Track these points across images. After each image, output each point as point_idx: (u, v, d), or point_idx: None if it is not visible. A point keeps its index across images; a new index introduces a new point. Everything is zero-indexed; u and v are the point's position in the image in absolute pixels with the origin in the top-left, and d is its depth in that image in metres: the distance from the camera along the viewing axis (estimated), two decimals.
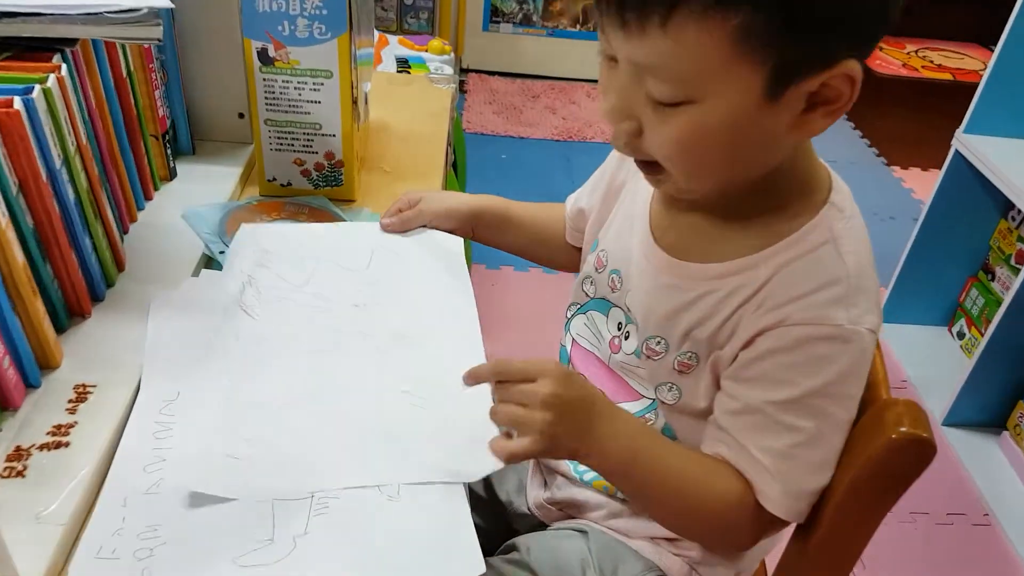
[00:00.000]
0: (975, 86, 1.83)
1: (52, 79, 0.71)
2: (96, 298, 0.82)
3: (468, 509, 0.66)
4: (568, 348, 0.87)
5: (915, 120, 3.45)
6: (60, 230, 0.74)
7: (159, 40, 0.78)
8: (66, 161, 0.75)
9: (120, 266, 0.87)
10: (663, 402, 0.76)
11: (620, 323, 0.80)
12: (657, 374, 0.76)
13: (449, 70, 1.66)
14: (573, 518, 0.86)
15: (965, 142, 1.84)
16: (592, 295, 0.84)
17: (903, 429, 0.62)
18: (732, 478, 0.69)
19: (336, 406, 0.73)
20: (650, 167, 0.67)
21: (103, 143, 0.85)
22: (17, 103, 0.66)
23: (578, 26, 3.36)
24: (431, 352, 0.80)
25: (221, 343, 0.77)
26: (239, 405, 0.71)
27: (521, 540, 0.83)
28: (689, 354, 0.72)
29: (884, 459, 0.63)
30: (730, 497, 0.68)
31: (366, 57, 1.15)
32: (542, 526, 0.88)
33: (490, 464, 0.67)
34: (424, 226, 0.97)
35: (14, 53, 0.75)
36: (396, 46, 1.95)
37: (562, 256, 1.00)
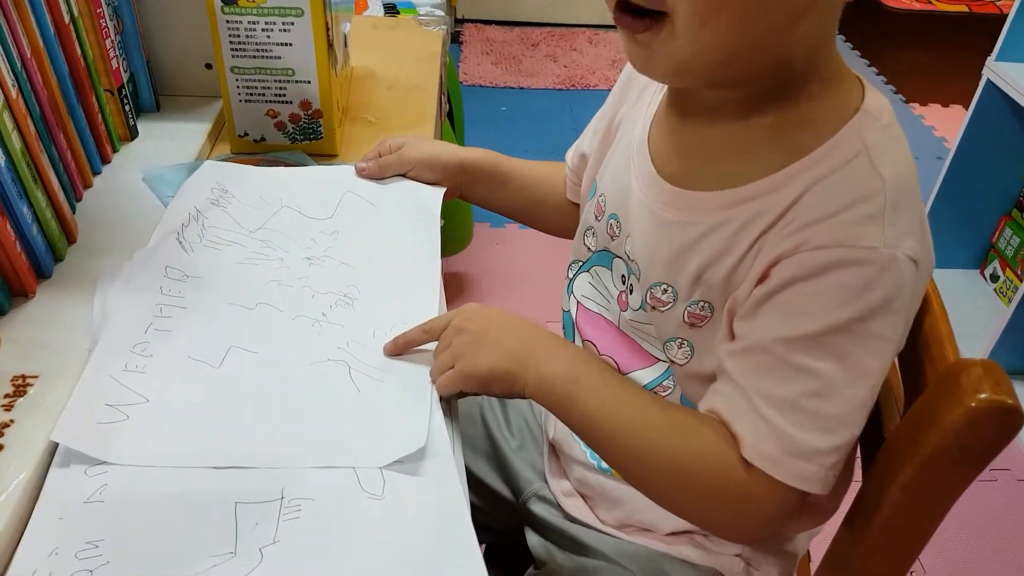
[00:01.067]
0: (994, 17, 1.71)
1: None
2: (41, 275, 0.72)
3: (467, 507, 0.57)
4: (573, 312, 0.77)
5: (932, 55, 3.29)
6: None
7: None
8: None
9: (71, 237, 0.77)
10: (674, 362, 0.66)
11: (623, 275, 0.70)
12: (665, 328, 0.65)
13: (441, 13, 1.54)
14: (599, 517, 0.77)
15: (998, 71, 1.72)
16: (594, 248, 0.74)
17: (984, 395, 0.52)
18: (716, 432, 0.57)
19: (259, 372, 0.64)
20: (649, 21, 0.54)
21: (43, 98, 0.75)
22: None
23: None
24: (379, 317, 0.70)
25: (150, 278, 0.69)
26: (145, 354, 0.63)
27: (547, 558, 0.73)
28: (701, 303, 0.62)
29: (962, 430, 0.52)
30: (709, 451, 0.57)
31: (346, 4, 1.03)
32: (558, 517, 0.78)
33: (409, 444, 0.59)
34: (404, 176, 0.87)
35: None
36: None
37: (561, 219, 0.89)
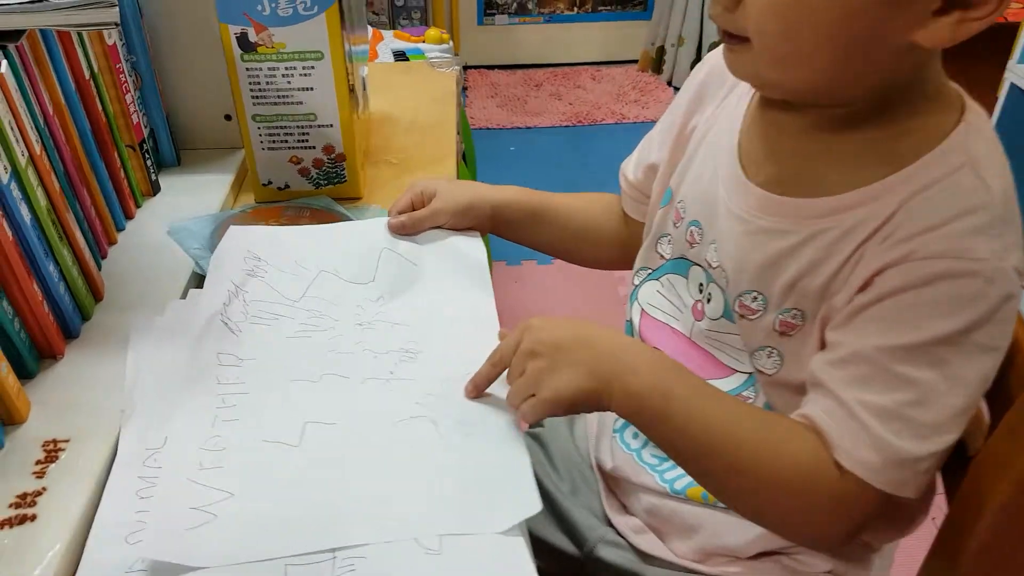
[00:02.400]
0: (1004, 27, 1.72)
1: None
2: (69, 335, 0.70)
3: (531, 560, 0.53)
4: (636, 321, 0.74)
5: (945, 68, 3.29)
6: (15, 257, 0.61)
7: (116, 24, 0.66)
8: (15, 174, 0.62)
9: (97, 295, 0.75)
10: (761, 372, 0.64)
11: (701, 284, 0.68)
12: (753, 337, 0.64)
13: (450, 57, 1.54)
14: (669, 544, 0.72)
15: (1021, 73, 1.72)
16: (668, 255, 0.72)
17: None
18: (810, 439, 0.56)
19: (343, 444, 0.60)
20: (736, 40, 0.57)
21: (66, 155, 0.73)
22: None
23: (575, 8, 3.23)
24: (449, 366, 0.67)
25: (204, 368, 0.65)
26: (217, 447, 0.59)
27: None
28: (793, 312, 0.60)
29: None
30: (803, 458, 0.56)
31: (361, 54, 1.02)
32: (631, 559, 0.74)
33: (525, 507, 0.55)
34: (440, 226, 0.84)
35: None
36: (392, 40, 1.83)
37: (600, 250, 0.87)
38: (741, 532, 0.68)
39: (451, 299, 0.75)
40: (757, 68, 0.57)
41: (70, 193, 0.73)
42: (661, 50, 3.14)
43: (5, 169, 0.61)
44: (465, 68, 3.21)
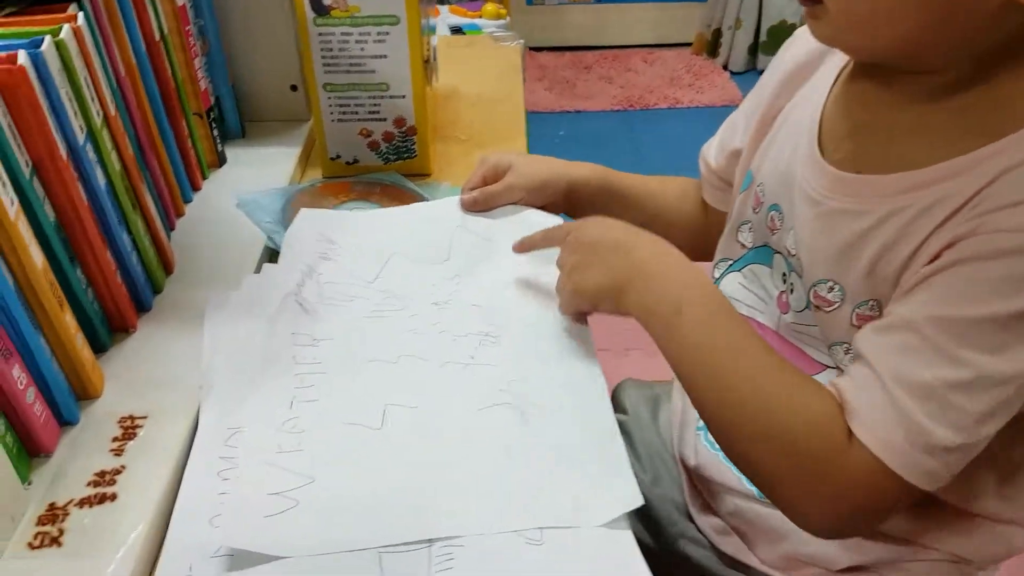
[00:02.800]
0: None
1: (67, 30, 0.56)
2: (142, 308, 0.67)
3: (637, 547, 0.50)
4: None
5: None
6: (90, 223, 0.59)
7: None
8: (91, 136, 0.60)
9: (168, 268, 0.72)
10: (841, 369, 0.59)
11: (784, 274, 0.63)
12: (831, 331, 0.59)
13: (511, 33, 1.50)
14: (755, 552, 0.68)
15: None
16: (750, 244, 0.67)
17: None
18: (830, 401, 0.51)
19: (426, 429, 0.57)
20: (812, 2, 0.53)
21: (137, 119, 0.70)
22: (22, 57, 0.51)
23: None
24: (533, 352, 0.64)
25: (280, 348, 0.62)
26: (296, 429, 0.55)
27: None
28: (872, 303, 0.55)
29: None
30: (816, 416, 0.51)
31: (430, 27, 0.99)
32: (712, 560, 0.70)
33: (626, 500, 0.52)
34: (515, 203, 0.80)
35: (19, 8, 0.61)
36: (448, 15, 1.79)
37: (683, 238, 0.79)
38: (832, 542, 0.63)
39: (529, 280, 0.71)
40: (836, 32, 0.54)
41: (141, 160, 0.70)
42: (717, 33, 3.06)
43: (81, 129, 0.58)
44: None
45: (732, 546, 0.68)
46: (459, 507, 0.51)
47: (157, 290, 0.69)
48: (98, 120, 0.60)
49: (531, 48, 3.18)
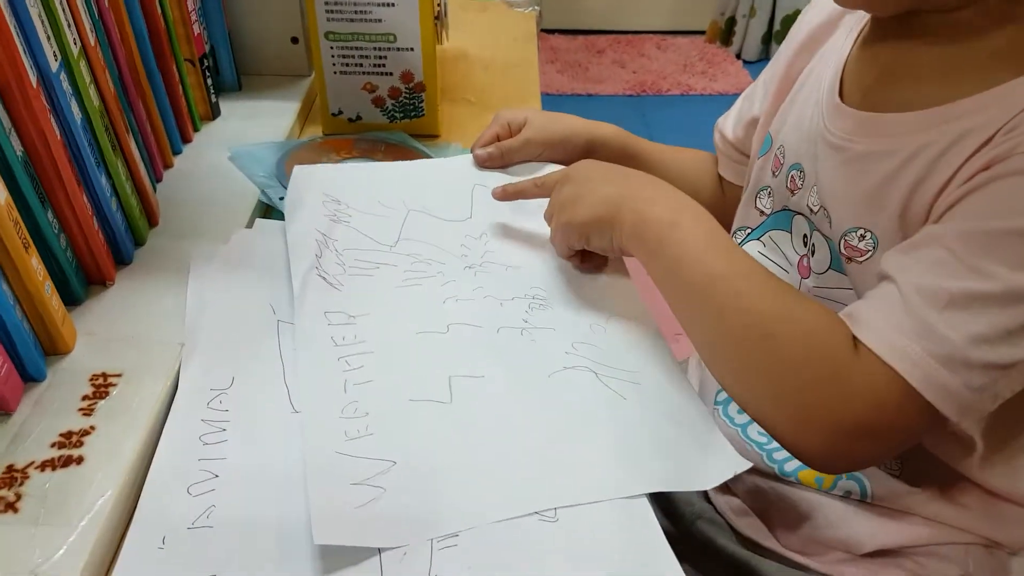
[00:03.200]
0: None
1: None
2: (121, 260, 0.62)
3: (656, 522, 0.45)
4: None
5: None
6: (63, 160, 0.53)
7: None
8: (67, 65, 0.54)
9: (152, 219, 0.66)
10: None
11: (805, 236, 0.60)
12: (865, 284, 0.54)
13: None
14: (775, 534, 0.63)
15: None
16: (769, 210, 0.64)
17: None
18: (833, 315, 0.48)
19: (501, 399, 0.52)
20: None
21: (121, 56, 0.65)
22: None
23: None
24: (590, 311, 0.59)
25: (313, 331, 0.55)
26: (359, 414, 0.49)
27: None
28: None
29: None
30: (817, 327, 0.47)
31: None
32: (731, 542, 0.65)
33: (732, 462, 0.48)
34: (532, 160, 0.74)
35: None
36: None
37: None
38: (859, 523, 0.59)
39: None
40: None
41: (125, 101, 0.64)
42: (731, 21, 2.99)
43: (55, 56, 0.52)
44: None
45: (751, 527, 0.64)
46: (560, 478, 0.47)
47: (139, 242, 0.64)
48: (75, 49, 0.55)
49: (544, 30, 3.12)
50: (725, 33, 3.03)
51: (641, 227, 0.54)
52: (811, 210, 0.59)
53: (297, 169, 0.70)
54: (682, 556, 0.44)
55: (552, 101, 2.66)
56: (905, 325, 0.45)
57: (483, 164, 0.73)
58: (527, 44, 1.12)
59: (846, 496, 0.60)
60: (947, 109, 0.49)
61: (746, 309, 0.49)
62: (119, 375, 0.51)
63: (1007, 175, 0.44)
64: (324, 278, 0.58)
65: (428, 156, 0.80)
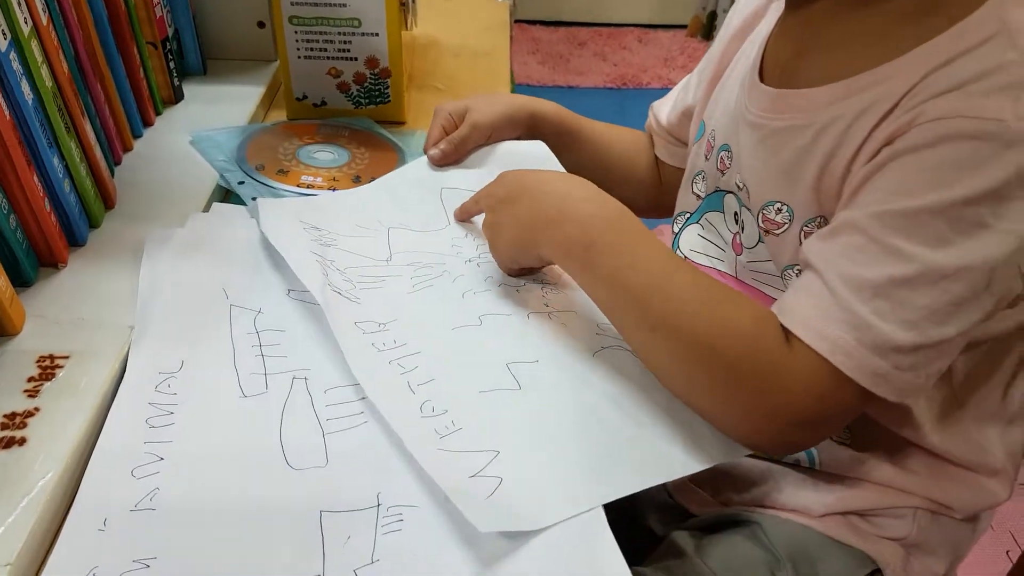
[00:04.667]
0: None
1: None
2: (74, 242, 0.61)
3: (606, 521, 0.45)
4: None
5: None
6: (12, 141, 0.52)
7: None
8: (16, 45, 0.53)
9: (108, 201, 0.66)
10: None
11: (736, 213, 0.61)
12: (782, 254, 0.57)
13: None
14: (728, 502, 0.63)
15: None
16: (703, 193, 0.65)
17: None
18: (761, 309, 0.49)
19: (566, 381, 0.53)
20: None
21: (77, 36, 0.64)
22: None
23: None
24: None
25: (353, 341, 0.54)
26: (438, 412, 0.49)
27: (677, 540, 0.61)
28: (819, 219, 0.54)
29: None
30: (746, 324, 0.48)
31: None
32: (684, 515, 0.65)
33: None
34: (483, 144, 0.74)
35: None
36: None
37: (638, 191, 0.80)
38: (808, 490, 0.60)
39: None
40: None
41: (81, 83, 0.64)
42: (712, 15, 3.00)
43: (3, 35, 0.52)
44: None
45: (695, 500, 0.65)
46: (643, 458, 0.48)
47: (94, 224, 0.63)
48: (26, 28, 0.54)
49: (527, 21, 3.12)
50: (707, 27, 3.04)
51: (559, 251, 0.55)
52: (738, 187, 0.60)
53: (261, 202, 0.66)
54: (625, 537, 0.45)
55: (533, 92, 2.64)
56: (834, 315, 0.46)
57: (438, 163, 0.72)
58: (499, 33, 1.12)
59: (795, 464, 0.61)
60: (854, 81, 0.50)
61: (679, 325, 0.49)
62: (67, 357, 0.51)
63: (909, 151, 0.46)
64: (339, 294, 0.57)
65: (393, 143, 0.80)
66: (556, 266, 0.59)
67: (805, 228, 0.54)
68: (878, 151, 0.48)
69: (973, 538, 0.63)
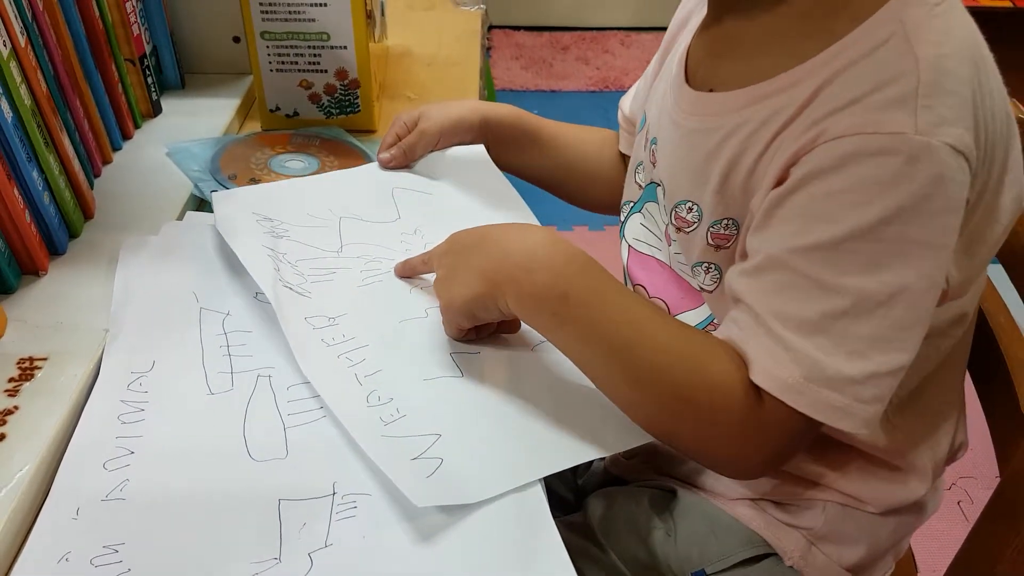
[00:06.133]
0: None
1: None
2: (55, 251, 0.65)
3: (544, 497, 0.48)
4: (624, 259, 0.69)
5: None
6: None
7: None
8: None
9: (87, 212, 0.69)
10: (703, 289, 0.59)
11: (666, 205, 0.63)
12: (690, 251, 0.58)
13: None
14: (659, 474, 0.67)
15: None
16: (644, 183, 0.67)
17: None
18: (727, 357, 0.49)
19: (503, 370, 0.57)
20: None
21: (56, 57, 0.67)
22: None
23: None
24: None
25: (304, 337, 0.57)
26: (383, 400, 0.53)
27: (591, 500, 0.65)
28: (725, 221, 0.55)
29: None
30: (717, 376, 0.48)
31: None
32: (622, 484, 0.69)
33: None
34: (433, 150, 0.77)
35: None
36: None
37: (601, 189, 0.80)
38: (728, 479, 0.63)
39: (489, 218, 0.70)
40: None
41: (60, 99, 0.67)
42: None
43: None
44: (490, 28, 3.13)
45: (626, 468, 0.68)
46: (570, 439, 0.51)
47: (74, 234, 0.67)
48: (4, 50, 0.58)
49: (508, 27, 3.15)
50: None
51: (529, 303, 0.52)
52: (662, 180, 0.62)
53: (216, 195, 0.69)
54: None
55: (515, 97, 2.69)
56: (783, 358, 0.46)
57: (387, 166, 0.75)
58: (470, 41, 1.16)
59: None
60: (762, 87, 0.51)
61: (660, 380, 0.49)
62: (45, 359, 0.54)
63: (816, 175, 0.46)
64: (291, 288, 0.60)
65: (362, 150, 0.83)
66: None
67: (712, 230, 0.56)
68: (785, 170, 0.48)
69: (897, 531, 0.63)
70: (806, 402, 0.46)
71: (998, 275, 0.63)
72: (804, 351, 0.46)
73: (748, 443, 0.49)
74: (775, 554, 0.62)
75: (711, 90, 0.56)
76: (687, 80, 0.59)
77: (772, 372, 0.47)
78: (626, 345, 0.50)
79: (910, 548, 0.77)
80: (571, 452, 0.51)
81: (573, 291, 0.50)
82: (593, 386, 0.53)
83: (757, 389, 0.48)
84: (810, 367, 0.46)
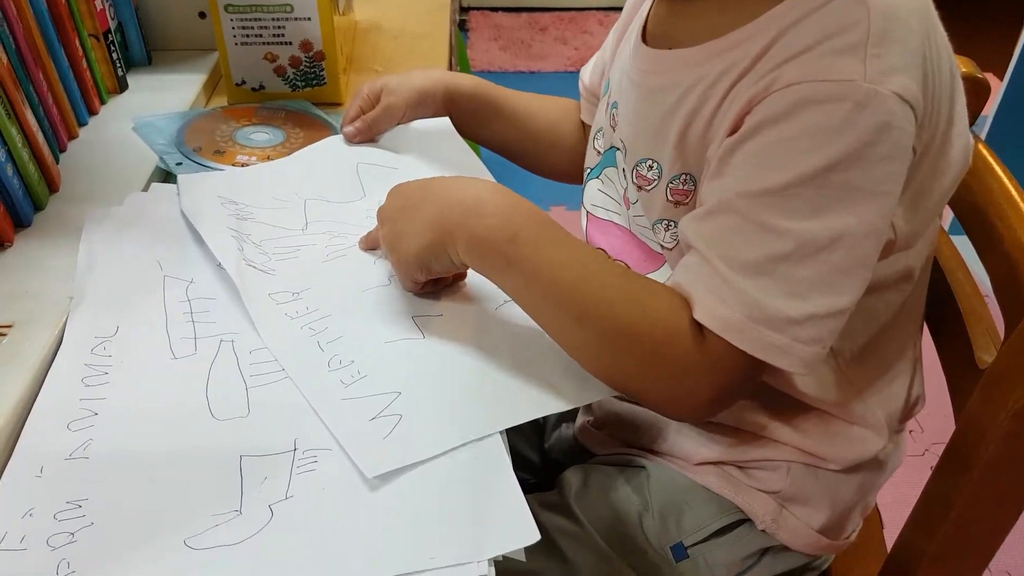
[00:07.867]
0: None
1: None
2: (19, 223, 0.65)
3: (505, 448, 0.49)
4: (584, 226, 0.70)
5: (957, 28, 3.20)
6: None
7: None
8: None
9: (53, 186, 0.70)
10: (664, 247, 0.60)
11: (624, 169, 0.63)
12: (652, 210, 0.59)
13: None
14: (626, 444, 0.68)
15: None
16: (602, 148, 0.68)
17: None
18: (672, 297, 0.50)
19: (467, 331, 0.57)
20: None
21: (17, 30, 0.67)
22: None
23: None
24: None
25: (267, 312, 0.58)
26: (344, 364, 0.54)
27: (566, 477, 0.66)
28: (684, 176, 0.56)
29: None
30: (661, 314, 0.50)
31: None
32: (590, 455, 0.71)
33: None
34: (399, 123, 0.78)
35: None
36: None
37: (564, 158, 0.81)
38: (689, 437, 0.64)
39: None
40: None
41: (22, 73, 0.67)
42: None
43: None
44: (467, 9, 3.13)
45: (592, 439, 0.70)
46: (528, 395, 0.52)
47: (39, 206, 0.67)
48: None
49: (487, 8, 3.14)
50: None
51: (479, 246, 0.53)
52: (622, 142, 0.62)
53: (182, 178, 0.70)
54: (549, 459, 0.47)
55: (494, 79, 2.67)
56: (723, 295, 0.48)
57: (353, 140, 0.75)
58: (440, 15, 1.16)
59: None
60: (718, 43, 0.53)
61: (604, 315, 0.50)
62: (10, 326, 0.55)
63: (768, 123, 0.47)
64: (254, 267, 0.61)
65: (328, 122, 0.83)
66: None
67: (671, 185, 0.57)
68: (739, 119, 0.49)
69: (862, 487, 0.65)
70: (747, 340, 0.47)
71: (957, 234, 0.65)
72: (747, 291, 0.47)
73: (692, 380, 0.50)
74: (749, 520, 0.63)
75: (670, 47, 0.57)
76: (645, 40, 0.60)
77: (715, 311, 0.48)
78: (573, 283, 0.51)
79: (876, 506, 0.79)
80: (531, 405, 0.52)
81: (522, 233, 0.52)
82: (553, 343, 0.54)
83: (700, 328, 0.49)
84: (751, 307, 0.47)
